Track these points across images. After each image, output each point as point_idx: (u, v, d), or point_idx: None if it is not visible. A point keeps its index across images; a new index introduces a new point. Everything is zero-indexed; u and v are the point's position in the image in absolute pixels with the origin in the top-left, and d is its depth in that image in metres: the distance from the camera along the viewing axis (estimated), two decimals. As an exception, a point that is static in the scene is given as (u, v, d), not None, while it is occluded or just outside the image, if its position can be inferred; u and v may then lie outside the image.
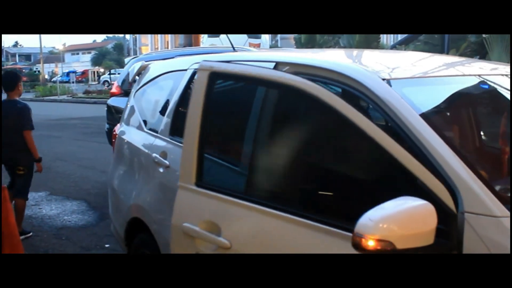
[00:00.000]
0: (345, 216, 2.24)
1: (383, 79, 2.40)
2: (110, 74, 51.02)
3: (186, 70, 3.88)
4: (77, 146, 14.09)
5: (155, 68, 4.58)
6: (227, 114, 3.05)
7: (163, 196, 3.72)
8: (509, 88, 2.64)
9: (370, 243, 1.88)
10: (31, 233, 6.61)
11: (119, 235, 4.48)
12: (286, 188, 2.64)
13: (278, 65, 2.91)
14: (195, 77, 3.00)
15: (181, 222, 2.82)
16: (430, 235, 1.90)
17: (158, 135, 3.95)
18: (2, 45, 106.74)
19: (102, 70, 57.44)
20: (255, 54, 3.84)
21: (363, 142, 2.21)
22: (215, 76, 2.89)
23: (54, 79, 58.86)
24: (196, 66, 3.80)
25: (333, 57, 3.21)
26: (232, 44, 4.45)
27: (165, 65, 4.48)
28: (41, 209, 7.87)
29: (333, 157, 2.51)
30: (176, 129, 3.80)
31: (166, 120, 3.88)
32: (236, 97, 3.04)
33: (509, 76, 2.64)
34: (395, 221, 1.88)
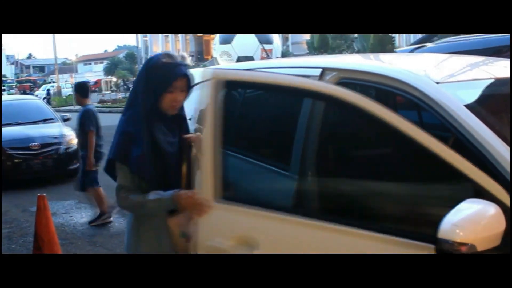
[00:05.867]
0: (399, 222, 2.31)
1: (437, 83, 2.47)
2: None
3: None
4: (99, 155, 14.19)
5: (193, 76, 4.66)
6: (246, 121, 3.06)
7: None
8: None
9: (456, 247, 1.92)
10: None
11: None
12: (335, 200, 2.62)
13: (324, 71, 2.96)
14: (205, 86, 2.92)
15: (209, 240, 2.68)
16: (499, 236, 1.96)
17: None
18: (16, 57, 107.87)
19: (115, 79, 57.68)
20: (300, 60, 3.90)
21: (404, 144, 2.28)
22: (227, 85, 2.86)
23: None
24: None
25: (382, 62, 3.28)
26: (267, 53, 4.52)
27: (204, 73, 4.55)
28: (72, 217, 7.99)
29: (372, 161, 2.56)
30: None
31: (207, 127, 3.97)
32: (255, 104, 3.04)
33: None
34: (477, 224, 1.93)
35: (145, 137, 2.80)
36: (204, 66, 23.42)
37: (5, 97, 19.16)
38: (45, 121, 11.44)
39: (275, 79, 2.75)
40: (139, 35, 64.42)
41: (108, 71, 59.40)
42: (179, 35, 62.93)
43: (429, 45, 5.72)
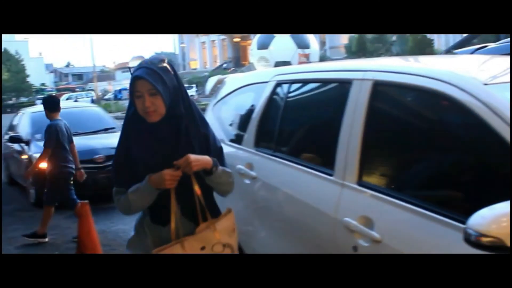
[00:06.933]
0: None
1: (484, 84, 2.42)
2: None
3: (267, 82, 3.97)
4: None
5: (233, 81, 4.68)
6: (389, 121, 3.00)
7: (251, 207, 3.79)
8: None
9: (481, 239, 1.95)
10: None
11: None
12: (433, 190, 2.64)
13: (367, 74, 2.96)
14: (357, 85, 3.01)
15: (342, 217, 2.87)
16: None
17: (241, 147, 4.03)
18: (55, 65, 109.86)
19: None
20: (342, 64, 3.88)
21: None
22: (378, 86, 2.93)
23: (106, 96, 59.96)
24: (278, 78, 3.90)
25: (426, 64, 3.24)
26: (307, 58, 4.50)
27: (244, 78, 4.58)
28: (113, 223, 8.05)
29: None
30: (261, 141, 3.88)
31: (249, 132, 3.97)
32: (400, 105, 3.02)
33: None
34: (506, 220, 1.92)
35: (120, 146, 2.82)
36: (242, 71, 23.47)
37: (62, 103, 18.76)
38: (106, 130, 10.50)
39: (420, 83, 2.72)
40: (176, 42, 64.82)
41: (146, 78, 59.98)
42: (216, 41, 63.33)
43: (492, 45, 5.59)
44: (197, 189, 2.73)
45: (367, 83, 2.94)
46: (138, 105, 2.69)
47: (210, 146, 2.80)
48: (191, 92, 44.36)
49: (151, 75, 2.64)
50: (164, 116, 2.70)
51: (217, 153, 2.81)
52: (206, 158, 2.70)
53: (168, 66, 2.71)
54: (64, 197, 7.39)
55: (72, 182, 7.47)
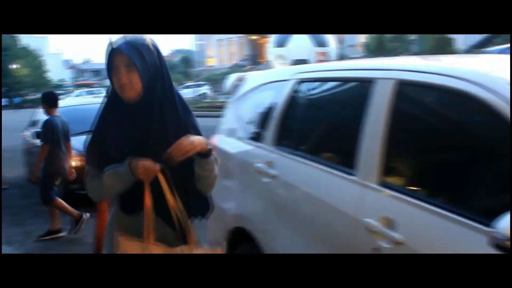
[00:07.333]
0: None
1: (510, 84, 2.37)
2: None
3: (288, 80, 3.94)
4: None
5: (253, 79, 4.65)
6: (413, 121, 2.96)
7: (271, 206, 3.75)
8: None
9: (503, 241, 1.98)
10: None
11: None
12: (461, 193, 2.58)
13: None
14: (380, 84, 2.97)
15: (363, 218, 2.84)
16: None
17: (261, 144, 4.00)
18: (74, 62, 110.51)
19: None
20: (360, 63, 3.85)
21: None
22: (403, 85, 2.88)
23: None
24: (298, 76, 3.87)
25: (450, 64, 3.19)
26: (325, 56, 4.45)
27: (264, 76, 4.55)
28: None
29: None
30: (281, 139, 3.85)
31: (269, 130, 3.94)
32: (424, 105, 2.97)
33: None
34: None
35: (96, 126, 2.70)
36: (259, 69, 23.42)
37: (85, 99, 18.56)
38: None
39: (445, 82, 2.67)
40: (193, 39, 64.89)
41: (163, 75, 60.25)
42: (234, 39, 63.37)
43: None
44: (172, 201, 2.60)
45: (391, 82, 2.90)
46: (114, 82, 2.57)
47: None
48: (204, 90, 44.28)
49: (130, 49, 2.54)
50: (141, 98, 2.58)
51: None
52: (201, 138, 2.60)
53: (150, 46, 2.61)
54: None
55: (58, 182, 7.54)
